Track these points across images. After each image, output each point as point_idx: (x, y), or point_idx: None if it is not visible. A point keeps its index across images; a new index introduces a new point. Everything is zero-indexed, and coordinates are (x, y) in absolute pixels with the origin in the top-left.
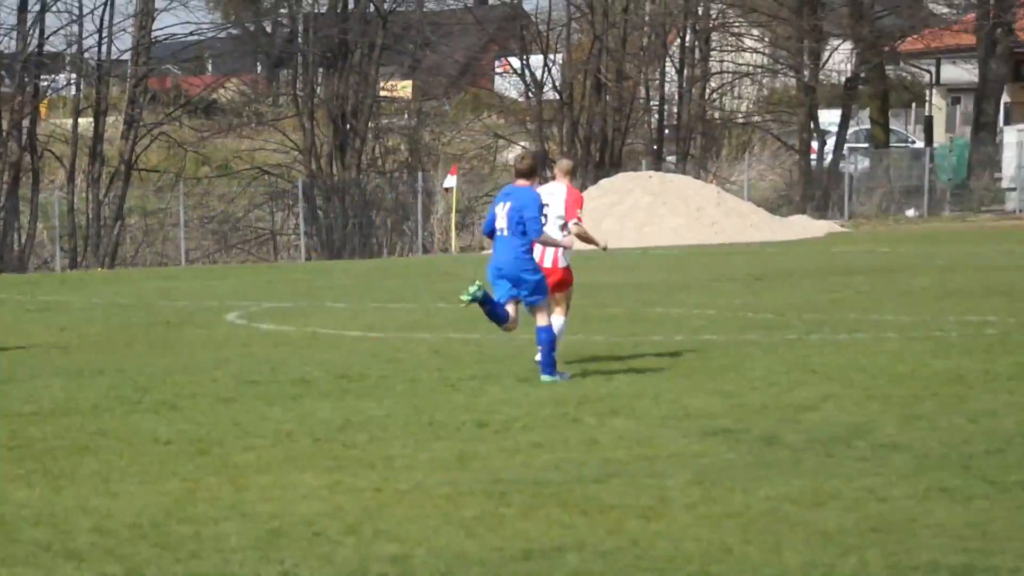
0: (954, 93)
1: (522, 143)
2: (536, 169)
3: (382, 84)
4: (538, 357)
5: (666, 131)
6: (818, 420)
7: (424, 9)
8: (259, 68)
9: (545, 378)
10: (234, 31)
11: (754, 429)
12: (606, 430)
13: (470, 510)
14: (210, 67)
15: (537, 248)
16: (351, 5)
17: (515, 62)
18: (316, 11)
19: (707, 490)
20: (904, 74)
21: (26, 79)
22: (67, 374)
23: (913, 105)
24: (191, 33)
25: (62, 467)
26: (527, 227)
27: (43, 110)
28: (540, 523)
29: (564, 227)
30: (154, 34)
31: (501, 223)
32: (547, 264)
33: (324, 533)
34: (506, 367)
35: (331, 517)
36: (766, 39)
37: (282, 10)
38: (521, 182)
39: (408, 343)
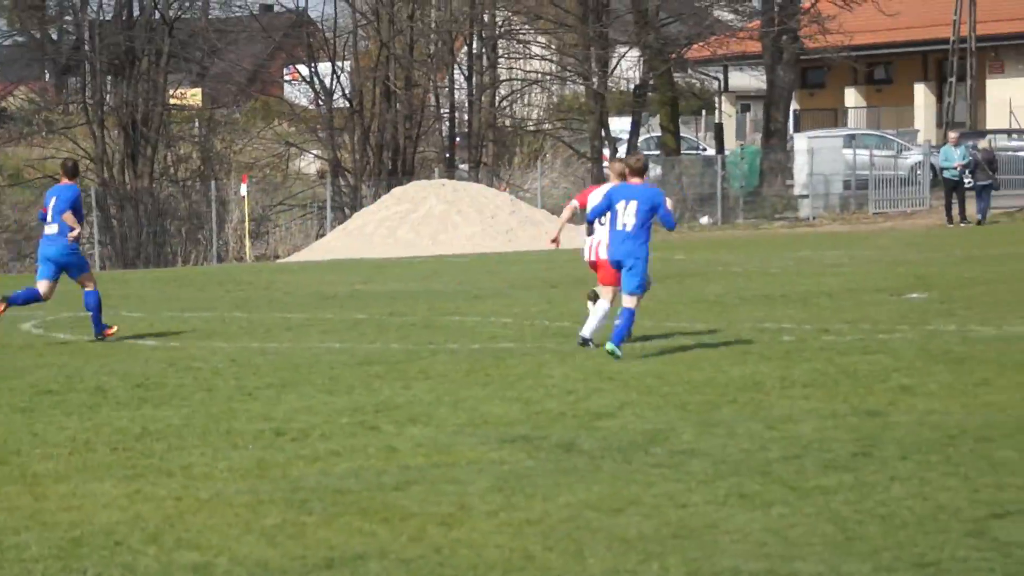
0: (743, 100)
1: (314, 151)
2: (648, 167)
3: (171, 92)
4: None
5: (458, 139)
6: (616, 427)
7: (209, 16)
8: (47, 76)
9: (610, 346)
10: (20, 39)
11: (553, 436)
12: (404, 438)
13: (271, 518)
14: None
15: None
16: (136, 12)
17: (304, 70)
18: (102, 18)
19: (507, 497)
20: (693, 81)
21: None
22: None
23: (703, 112)
24: None
25: None
26: (664, 222)
27: None
28: (341, 531)
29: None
30: None
31: (626, 219)
32: (604, 257)
33: (125, 542)
34: (303, 375)
35: (131, 526)
36: (553, 46)
37: (67, 17)
38: (636, 180)
39: (205, 352)
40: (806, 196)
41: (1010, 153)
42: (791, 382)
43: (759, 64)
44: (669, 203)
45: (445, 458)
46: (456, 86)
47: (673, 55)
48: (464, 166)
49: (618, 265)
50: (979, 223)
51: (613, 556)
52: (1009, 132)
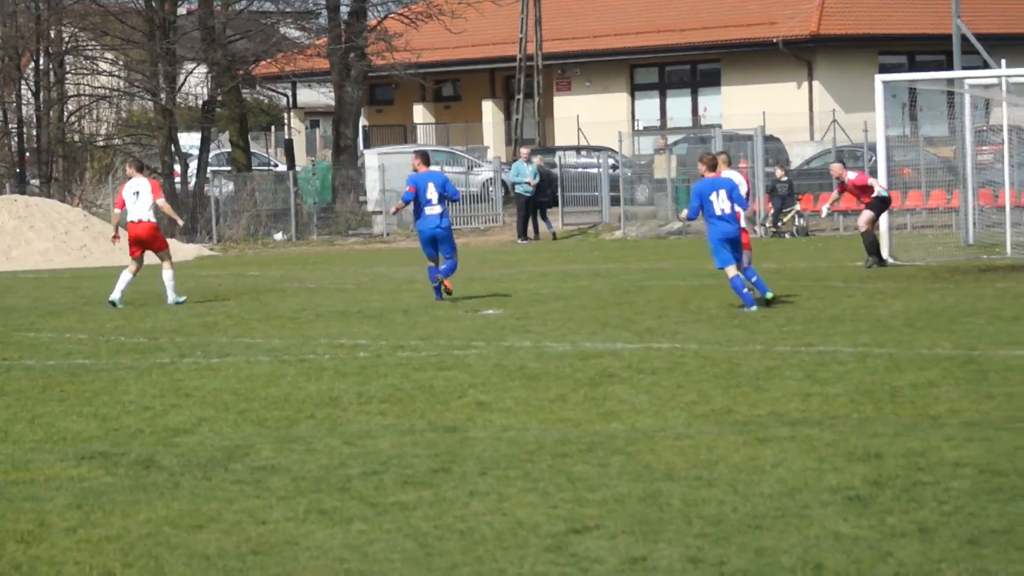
0: (312, 116)
1: None
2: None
3: None
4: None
5: (27, 154)
6: (194, 443)
7: None
8: None
9: (770, 295)
10: None
11: (131, 452)
12: None
13: None
14: None
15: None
16: None
17: None
18: None
19: (86, 514)
20: (261, 97)
21: None
22: None
23: (272, 128)
24: None
25: None
26: (741, 204)
27: None
28: None
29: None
30: None
31: (722, 205)
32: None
33: None
34: None
35: None
36: (121, 62)
37: None
38: (710, 174)
39: None
40: (379, 212)
41: (580, 170)
42: (368, 398)
43: (327, 81)
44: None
45: (23, 475)
46: (24, 101)
47: (241, 72)
48: (35, 181)
49: (729, 245)
50: (554, 237)
51: (193, 573)
52: (578, 149)
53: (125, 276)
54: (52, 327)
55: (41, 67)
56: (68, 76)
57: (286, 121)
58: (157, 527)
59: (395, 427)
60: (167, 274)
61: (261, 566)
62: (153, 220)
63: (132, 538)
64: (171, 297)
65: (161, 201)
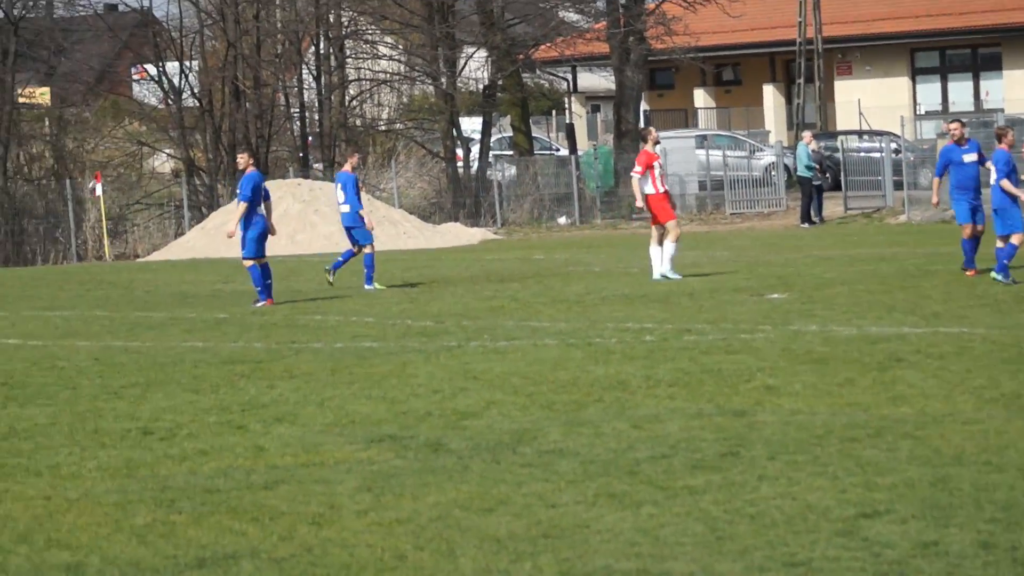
0: (593, 101)
1: (166, 150)
2: None
3: (20, 91)
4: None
5: (310, 138)
6: (483, 426)
7: (55, 16)
8: None
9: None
10: None
11: (420, 435)
12: (272, 437)
13: (141, 518)
14: None
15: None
16: None
17: (152, 69)
18: None
19: (376, 496)
20: (542, 82)
21: None
22: None
23: (553, 112)
24: None
25: None
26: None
27: None
28: (212, 530)
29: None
30: None
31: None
32: None
33: None
34: (168, 374)
35: (0, 526)
36: (400, 47)
37: None
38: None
39: (67, 351)
40: None
41: (862, 155)
42: (656, 381)
43: (607, 65)
44: None
45: (313, 457)
46: (305, 86)
47: (521, 56)
48: (318, 165)
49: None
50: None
51: (484, 555)
52: (860, 133)
53: (653, 250)
54: (338, 310)
55: (321, 51)
56: (348, 60)
57: (567, 105)
58: (447, 510)
59: (683, 411)
60: (654, 249)
61: (552, 549)
62: (659, 191)
63: (423, 520)
64: (656, 272)
65: (633, 173)
